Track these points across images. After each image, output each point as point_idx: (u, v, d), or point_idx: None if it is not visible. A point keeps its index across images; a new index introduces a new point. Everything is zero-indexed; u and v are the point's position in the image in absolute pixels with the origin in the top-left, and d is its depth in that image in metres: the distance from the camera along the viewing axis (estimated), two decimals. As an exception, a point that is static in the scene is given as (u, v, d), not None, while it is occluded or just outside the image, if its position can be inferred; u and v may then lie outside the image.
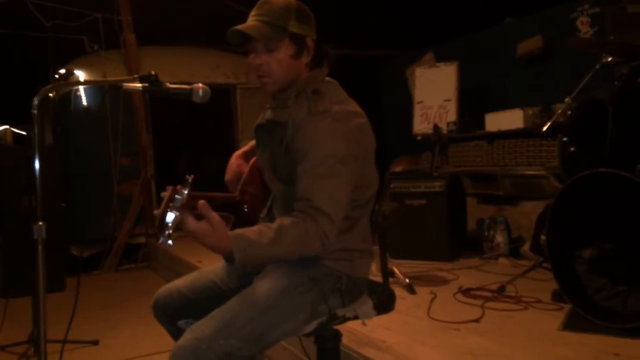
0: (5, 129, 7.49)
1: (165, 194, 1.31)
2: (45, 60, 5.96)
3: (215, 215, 1.34)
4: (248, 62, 1.62)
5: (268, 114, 1.65)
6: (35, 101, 1.53)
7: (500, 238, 4.09)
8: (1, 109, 8.01)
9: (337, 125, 1.50)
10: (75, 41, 6.06)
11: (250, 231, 1.38)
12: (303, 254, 1.45)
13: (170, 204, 1.29)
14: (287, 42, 1.56)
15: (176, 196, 1.30)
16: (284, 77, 1.59)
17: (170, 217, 1.29)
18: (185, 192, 1.31)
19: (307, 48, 1.58)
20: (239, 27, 1.53)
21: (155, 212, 1.33)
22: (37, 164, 1.63)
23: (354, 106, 1.62)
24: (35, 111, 1.53)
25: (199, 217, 1.34)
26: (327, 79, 1.66)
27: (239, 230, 1.38)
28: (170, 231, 1.30)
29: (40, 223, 1.56)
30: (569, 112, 3.03)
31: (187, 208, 1.32)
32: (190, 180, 1.32)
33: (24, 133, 7.47)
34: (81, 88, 5.88)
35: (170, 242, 1.31)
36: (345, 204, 1.50)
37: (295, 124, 1.53)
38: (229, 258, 1.38)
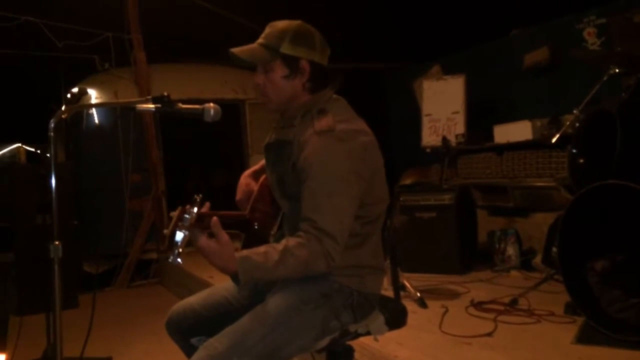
0: (19, 147, 7.59)
1: (175, 214, 1.34)
2: (58, 79, 6.07)
3: (225, 236, 1.38)
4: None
5: (275, 134, 1.69)
6: (52, 124, 1.57)
7: (511, 250, 4.07)
8: (15, 127, 8.15)
9: (340, 144, 1.52)
10: (87, 60, 6.17)
11: (256, 253, 1.41)
12: (307, 274, 1.48)
13: (180, 223, 1.32)
14: (279, 63, 1.60)
15: (185, 215, 1.33)
16: (279, 97, 1.64)
17: (179, 236, 1.33)
18: (194, 211, 1.33)
19: (300, 69, 1.61)
20: (236, 50, 1.60)
21: (165, 231, 1.36)
22: (53, 184, 1.66)
23: (359, 124, 1.64)
24: (51, 133, 1.57)
25: (211, 235, 1.37)
26: (335, 96, 1.69)
27: (245, 252, 1.41)
28: (180, 250, 1.32)
29: (57, 242, 1.59)
30: (577, 124, 3.03)
31: (200, 227, 1.35)
32: (198, 200, 1.35)
33: (37, 151, 7.58)
34: (93, 106, 5.97)
35: (179, 260, 1.34)
36: (349, 224, 1.51)
37: (300, 143, 1.56)
38: (234, 278, 1.40)
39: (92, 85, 6.12)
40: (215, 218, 1.36)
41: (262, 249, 1.43)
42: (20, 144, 8.38)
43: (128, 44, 6.18)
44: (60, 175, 4.81)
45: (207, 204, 1.46)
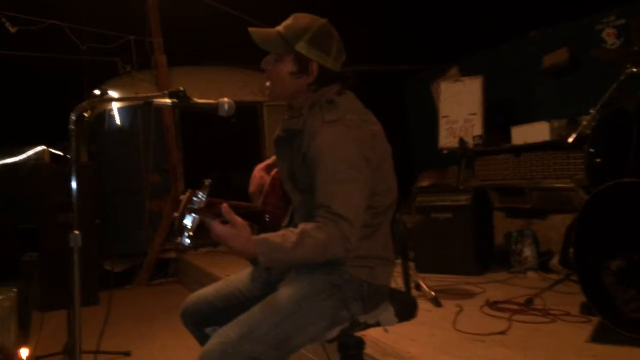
0: (43, 149, 7.77)
1: (184, 197, 1.37)
2: (81, 81, 6.20)
3: (239, 219, 1.39)
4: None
5: (284, 125, 1.72)
6: (72, 117, 1.62)
7: (528, 251, 4.04)
8: (39, 130, 8.34)
9: (350, 131, 1.55)
10: (109, 63, 6.30)
11: (274, 235, 1.43)
12: (326, 258, 1.48)
13: (189, 206, 1.34)
14: (290, 59, 1.63)
15: (194, 199, 1.35)
16: (280, 89, 1.68)
17: (188, 219, 1.34)
18: (202, 195, 1.35)
19: (308, 71, 1.63)
20: (253, 30, 1.63)
21: (175, 214, 1.38)
22: (73, 177, 1.72)
23: (368, 115, 1.67)
24: (72, 126, 1.62)
25: (224, 223, 1.39)
26: (344, 90, 1.70)
27: (263, 235, 1.43)
28: (190, 233, 1.34)
29: (77, 232, 1.64)
30: (594, 124, 3.01)
31: (212, 214, 1.37)
32: (207, 184, 1.37)
33: (60, 153, 7.74)
34: (115, 108, 6.09)
35: (188, 242, 1.35)
36: (363, 208, 1.53)
37: (310, 133, 1.58)
38: (253, 261, 1.42)
39: (114, 88, 6.24)
40: (224, 204, 1.37)
41: (279, 232, 1.45)
42: (44, 146, 8.58)
43: (149, 47, 6.30)
44: (83, 176, 4.93)
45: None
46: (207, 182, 1.38)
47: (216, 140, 7.10)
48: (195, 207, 1.34)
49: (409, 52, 7.42)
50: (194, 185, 1.47)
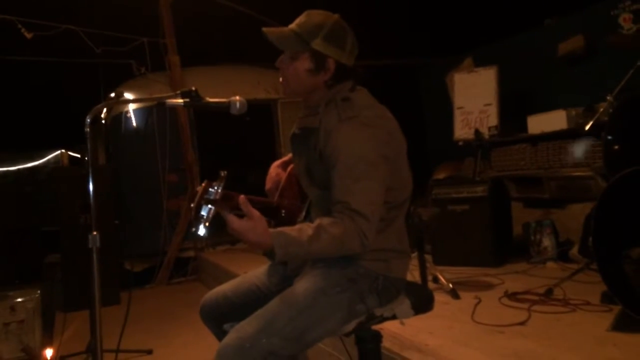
0: (62, 152, 7.88)
1: (200, 188, 1.38)
2: (97, 84, 6.28)
3: (256, 212, 1.40)
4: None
5: (300, 123, 1.73)
6: (88, 119, 1.65)
7: (547, 242, 4.00)
8: (56, 133, 8.46)
9: (366, 128, 1.55)
10: (124, 65, 6.37)
11: (291, 229, 1.44)
12: (342, 253, 1.48)
13: (205, 197, 1.36)
14: (307, 57, 1.63)
15: (210, 190, 1.36)
16: (297, 86, 1.68)
17: (204, 210, 1.36)
18: (217, 186, 1.36)
19: (325, 68, 1.64)
20: (267, 30, 1.63)
21: (191, 205, 1.40)
22: (90, 178, 1.75)
23: (383, 111, 1.67)
24: (87, 129, 1.65)
25: (241, 217, 1.40)
26: (358, 87, 1.71)
27: (279, 228, 1.44)
28: (207, 223, 1.36)
29: (95, 232, 1.66)
30: (612, 110, 2.97)
31: (228, 207, 1.38)
32: (223, 176, 1.38)
33: (78, 155, 7.85)
34: (131, 110, 6.16)
35: (204, 232, 1.36)
36: (380, 205, 1.53)
37: (326, 131, 1.59)
38: (270, 255, 1.42)
39: (129, 90, 6.31)
40: (242, 196, 1.38)
41: (296, 226, 1.46)
42: (62, 150, 8.70)
43: (163, 49, 6.35)
44: (101, 177, 5.03)
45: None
46: (223, 173, 1.39)
47: (231, 138, 7.16)
48: (212, 198, 1.36)
49: (423, 44, 7.38)
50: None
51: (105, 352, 1.79)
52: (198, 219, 1.35)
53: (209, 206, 1.35)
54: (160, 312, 4.72)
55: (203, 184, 1.38)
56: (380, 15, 7.13)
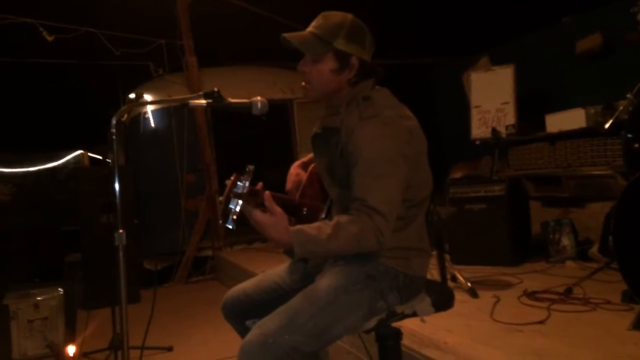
0: (82, 153, 8.00)
1: (229, 182, 1.42)
2: (115, 86, 6.37)
3: (278, 209, 1.43)
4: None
5: (322, 122, 1.75)
6: (113, 121, 1.69)
7: (566, 241, 3.98)
8: (75, 135, 8.58)
9: (387, 127, 1.57)
10: (142, 67, 6.45)
11: (310, 227, 1.47)
12: (359, 250, 1.51)
13: (234, 191, 1.39)
14: (330, 57, 1.65)
15: (238, 183, 1.40)
16: (323, 88, 1.70)
17: (233, 203, 1.39)
18: (246, 180, 1.39)
19: (349, 66, 1.66)
20: (288, 35, 1.66)
21: (220, 198, 1.43)
22: (116, 179, 1.79)
23: (404, 110, 1.68)
24: (113, 130, 1.69)
25: (264, 211, 1.43)
26: (378, 87, 1.74)
27: (299, 226, 1.47)
28: (234, 217, 1.39)
29: (121, 231, 1.70)
30: (631, 108, 2.95)
31: (254, 203, 1.41)
32: (250, 170, 1.42)
33: (98, 157, 7.95)
34: (149, 111, 6.23)
35: (232, 225, 1.39)
36: (398, 203, 1.55)
37: (347, 129, 1.61)
38: (289, 252, 1.46)
39: (148, 91, 6.38)
40: (267, 192, 1.42)
41: (315, 224, 1.48)
42: (82, 150, 8.82)
43: (180, 50, 6.42)
44: (121, 177, 5.07)
45: (260, 184, 1.52)
46: (250, 168, 1.42)
47: (248, 138, 7.20)
48: (239, 192, 1.39)
49: (438, 43, 7.36)
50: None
51: (130, 349, 1.83)
52: (227, 212, 1.39)
53: (238, 200, 1.39)
54: (179, 310, 4.77)
55: (232, 178, 1.41)
56: (395, 14, 7.12)
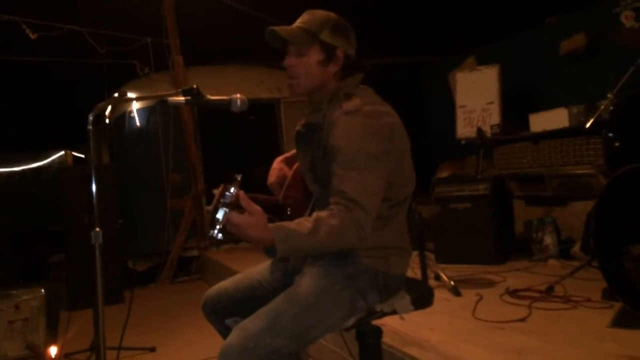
0: (66, 152, 7.92)
1: (217, 191, 1.39)
2: (101, 84, 6.31)
3: (256, 207, 1.38)
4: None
5: (304, 119, 1.75)
6: (90, 118, 1.67)
7: (549, 239, 4.01)
8: (61, 134, 8.51)
9: (368, 122, 1.56)
10: (127, 65, 6.40)
11: (290, 223, 1.43)
12: (341, 245, 1.47)
13: (222, 201, 1.37)
14: (316, 48, 1.66)
15: (226, 193, 1.37)
16: (309, 81, 1.69)
17: (220, 213, 1.36)
18: (233, 190, 1.37)
19: (335, 58, 1.67)
20: (275, 27, 1.65)
21: (208, 207, 1.41)
22: (93, 176, 1.77)
23: (386, 107, 1.68)
24: (90, 127, 1.67)
25: (242, 212, 1.40)
26: (362, 86, 1.74)
27: (279, 223, 1.42)
28: (221, 226, 1.36)
29: (97, 229, 1.68)
30: (612, 108, 2.98)
31: (233, 206, 1.38)
32: (238, 179, 1.39)
33: (82, 156, 7.88)
34: (134, 109, 6.19)
35: (220, 235, 1.36)
36: (378, 198, 1.53)
37: (329, 124, 1.61)
38: (270, 251, 1.41)
39: (133, 89, 6.34)
40: (241, 191, 1.37)
41: (294, 220, 1.45)
42: (67, 150, 8.75)
43: (166, 48, 6.38)
44: (104, 177, 5.05)
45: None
46: (238, 177, 1.39)
47: (235, 137, 7.18)
48: (228, 201, 1.36)
49: (425, 43, 7.39)
50: (214, 183, 1.48)
51: (108, 350, 1.81)
52: (214, 222, 1.35)
53: (225, 209, 1.35)
54: (164, 310, 4.75)
55: (220, 188, 1.38)
56: (383, 13, 7.14)
